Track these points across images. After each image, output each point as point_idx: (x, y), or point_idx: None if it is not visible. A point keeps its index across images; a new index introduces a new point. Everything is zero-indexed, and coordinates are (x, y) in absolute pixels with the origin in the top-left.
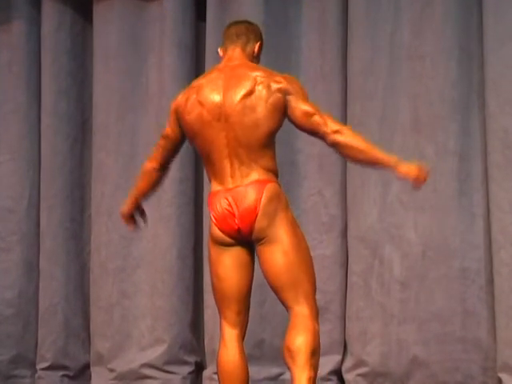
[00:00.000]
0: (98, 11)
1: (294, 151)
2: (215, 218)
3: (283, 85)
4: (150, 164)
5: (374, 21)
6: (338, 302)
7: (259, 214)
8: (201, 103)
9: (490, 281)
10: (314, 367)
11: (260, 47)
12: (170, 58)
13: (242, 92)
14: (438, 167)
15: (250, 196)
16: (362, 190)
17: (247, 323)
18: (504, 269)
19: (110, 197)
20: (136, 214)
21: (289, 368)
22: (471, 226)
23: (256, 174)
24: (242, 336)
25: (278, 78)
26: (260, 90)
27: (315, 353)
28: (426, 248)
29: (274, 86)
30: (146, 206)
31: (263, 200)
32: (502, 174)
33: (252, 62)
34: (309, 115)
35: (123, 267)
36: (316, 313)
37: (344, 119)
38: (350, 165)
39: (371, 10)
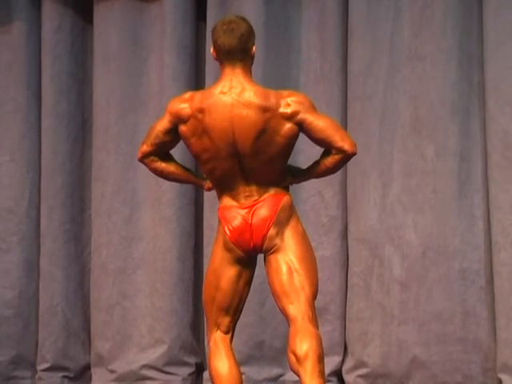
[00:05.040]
0: (99, 12)
1: (295, 152)
2: (231, 232)
3: (291, 108)
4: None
5: (374, 21)
6: (338, 303)
7: (272, 222)
8: (210, 137)
9: (490, 281)
10: (323, 374)
11: (255, 48)
12: (170, 58)
13: (253, 131)
14: (438, 168)
15: (266, 208)
16: (361, 191)
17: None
18: (504, 269)
19: (110, 197)
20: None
21: (297, 374)
22: (471, 226)
23: (271, 191)
24: (232, 339)
25: (285, 102)
26: (271, 125)
27: (321, 359)
28: (426, 249)
29: (284, 113)
30: (145, 207)
31: (278, 210)
32: (502, 174)
33: (251, 64)
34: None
35: (123, 268)
36: (316, 320)
37: (344, 120)
38: (350, 166)
39: (371, 10)
